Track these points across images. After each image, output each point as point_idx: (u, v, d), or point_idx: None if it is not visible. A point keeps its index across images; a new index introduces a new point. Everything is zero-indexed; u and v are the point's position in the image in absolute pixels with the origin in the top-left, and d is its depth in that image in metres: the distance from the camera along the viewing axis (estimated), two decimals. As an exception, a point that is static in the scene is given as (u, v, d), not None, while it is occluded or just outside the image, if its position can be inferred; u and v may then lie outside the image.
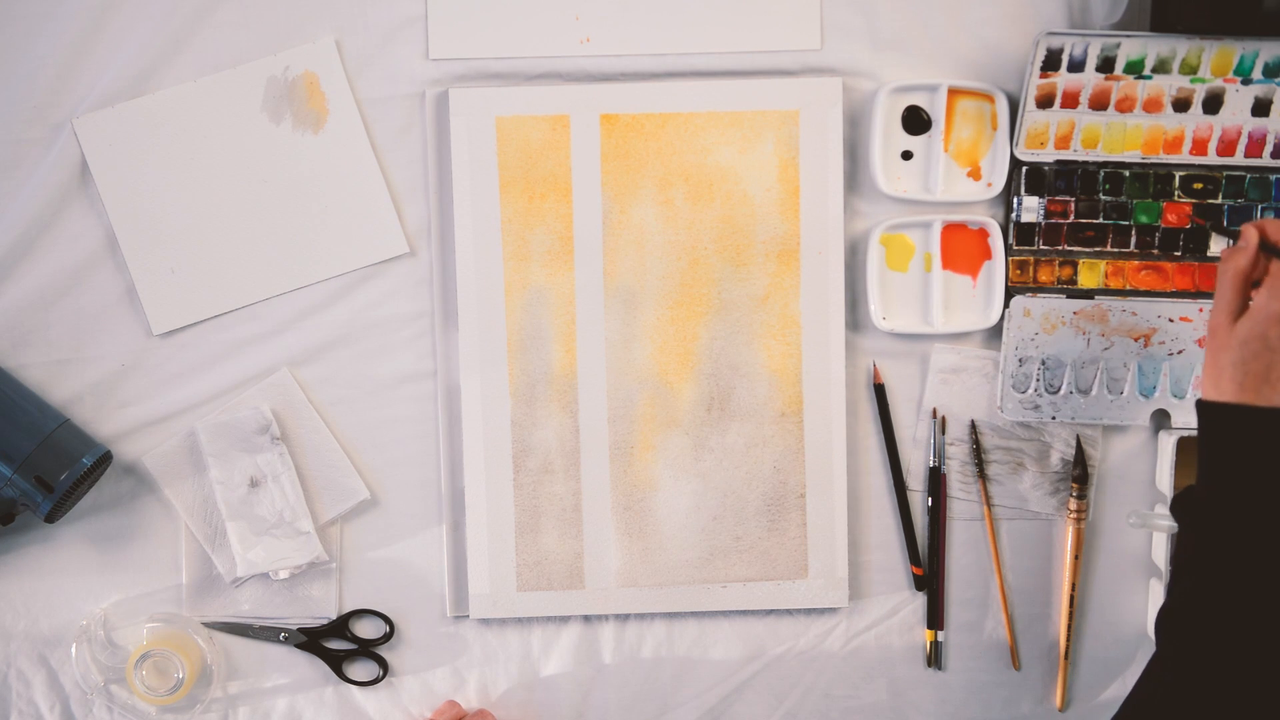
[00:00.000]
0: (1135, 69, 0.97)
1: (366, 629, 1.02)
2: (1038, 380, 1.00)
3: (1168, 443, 0.99)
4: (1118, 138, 0.99)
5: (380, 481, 1.02)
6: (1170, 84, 0.98)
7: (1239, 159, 0.99)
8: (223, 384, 1.01)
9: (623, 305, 1.00)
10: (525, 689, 1.03)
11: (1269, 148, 0.99)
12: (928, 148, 1.00)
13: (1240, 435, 0.81)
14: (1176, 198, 1.00)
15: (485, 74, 1.00)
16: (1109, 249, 1.00)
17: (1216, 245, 1.00)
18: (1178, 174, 0.99)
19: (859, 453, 1.02)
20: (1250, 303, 0.82)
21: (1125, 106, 0.98)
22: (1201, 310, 1.00)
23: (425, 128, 1.00)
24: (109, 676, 1.01)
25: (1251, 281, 0.83)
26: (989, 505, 1.02)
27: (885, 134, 1.00)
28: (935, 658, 1.03)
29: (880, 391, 1.02)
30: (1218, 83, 0.97)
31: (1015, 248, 1.00)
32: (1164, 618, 0.82)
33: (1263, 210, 0.99)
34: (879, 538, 1.03)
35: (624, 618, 1.03)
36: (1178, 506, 0.85)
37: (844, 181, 1.00)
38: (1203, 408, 0.83)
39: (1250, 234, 0.84)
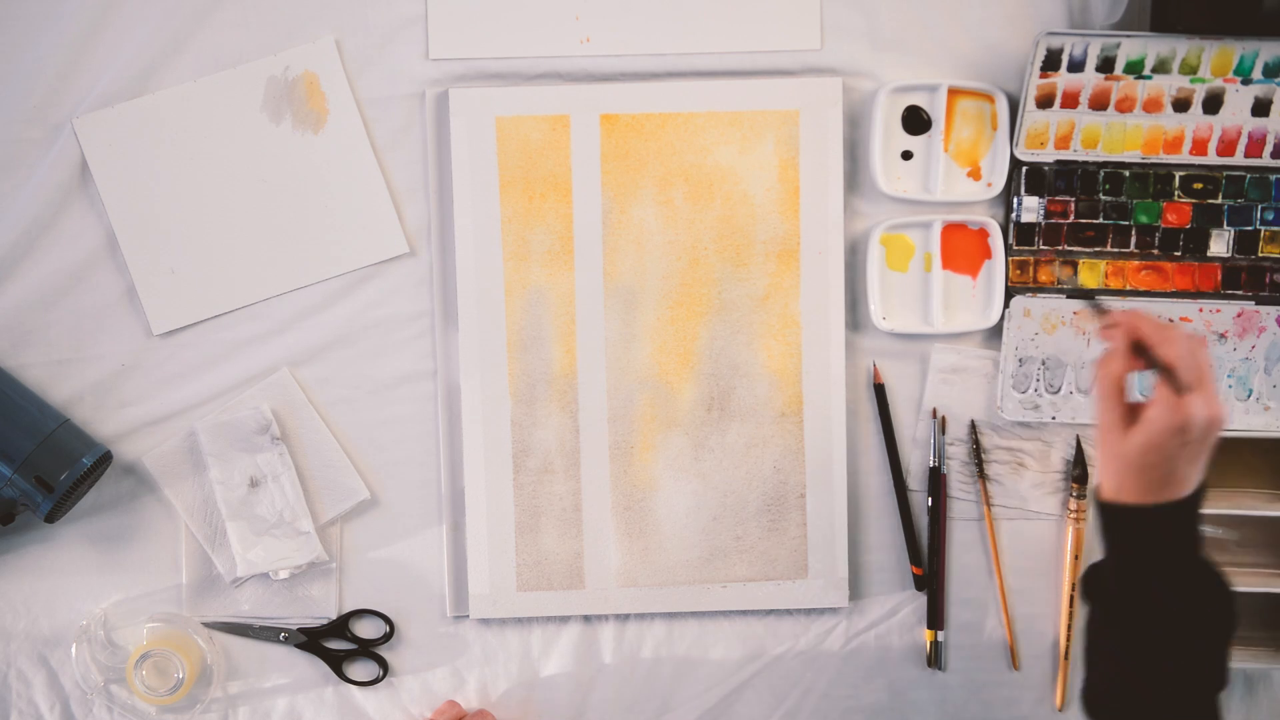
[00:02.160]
0: (1135, 69, 0.97)
1: (366, 629, 1.02)
2: (1038, 380, 1.00)
3: (1168, 443, 0.99)
4: (1118, 138, 0.99)
5: (380, 481, 1.02)
6: (1170, 84, 0.98)
7: (1239, 159, 0.99)
8: (223, 384, 1.01)
9: (623, 305, 1.00)
10: (525, 689, 1.03)
11: (1269, 148, 0.99)
12: (928, 148, 1.00)
13: (1150, 533, 0.82)
14: (1176, 198, 1.00)
15: (485, 74, 1.00)
16: (1109, 249, 1.00)
17: (1216, 245, 1.00)
18: (1178, 174, 0.99)
19: (859, 453, 1.02)
20: (1135, 405, 0.82)
21: (1125, 106, 0.98)
22: (1201, 310, 1.00)
23: (425, 128, 1.00)
24: (109, 676, 1.01)
25: (1125, 384, 0.83)
26: (989, 505, 1.02)
27: (885, 134, 1.00)
28: (935, 658, 1.03)
29: (880, 391, 1.02)
30: (1218, 83, 0.97)
31: (1015, 248, 1.00)
32: (1090, 700, 0.85)
33: (1262, 210, 0.99)
34: (879, 538, 1.03)
35: (624, 618, 1.03)
36: (1086, 587, 0.87)
37: (844, 181, 1.00)
38: (1106, 510, 0.84)
39: (1120, 336, 0.82)
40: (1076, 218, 1.00)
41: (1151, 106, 0.98)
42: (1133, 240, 1.00)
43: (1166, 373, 0.80)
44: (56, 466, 0.94)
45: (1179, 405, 0.79)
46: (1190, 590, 0.83)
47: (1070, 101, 0.98)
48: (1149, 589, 0.83)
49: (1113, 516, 0.84)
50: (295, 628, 1.01)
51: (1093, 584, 0.87)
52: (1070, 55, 0.97)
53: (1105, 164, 0.99)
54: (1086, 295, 1.00)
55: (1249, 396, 1.00)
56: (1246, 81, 0.97)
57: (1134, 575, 0.83)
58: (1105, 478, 0.84)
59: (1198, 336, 0.84)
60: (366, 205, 1.00)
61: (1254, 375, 1.00)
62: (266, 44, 0.99)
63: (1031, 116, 0.98)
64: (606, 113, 0.99)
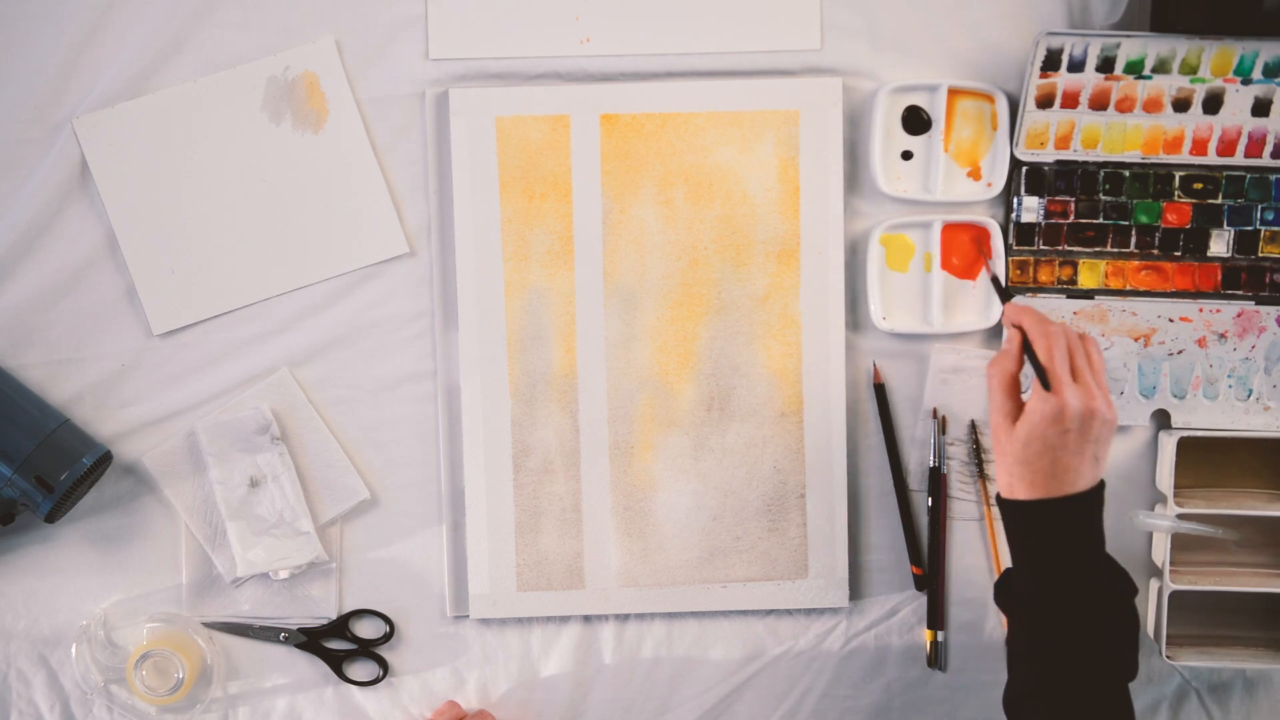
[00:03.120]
0: (1135, 69, 0.97)
1: (366, 629, 1.02)
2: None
3: (1168, 443, 0.99)
4: (1118, 138, 0.99)
5: (380, 481, 1.02)
6: (1170, 84, 0.98)
7: (1239, 159, 0.99)
8: (223, 384, 1.01)
9: (623, 305, 1.00)
10: (525, 689, 1.03)
11: (1269, 148, 0.99)
12: (928, 148, 1.00)
13: (1045, 528, 0.85)
14: (1176, 198, 1.00)
15: (485, 74, 1.00)
16: (1109, 249, 1.00)
17: (1216, 245, 1.00)
18: (1178, 174, 0.99)
19: (859, 453, 1.02)
20: (1025, 402, 0.86)
21: (1125, 106, 0.98)
22: (1201, 310, 1.00)
23: (425, 128, 1.00)
24: (109, 676, 1.01)
25: (1019, 382, 0.88)
26: (989, 505, 1.02)
27: (885, 134, 1.00)
28: (935, 658, 1.03)
29: (880, 391, 1.02)
30: (1218, 83, 0.97)
31: (1015, 248, 1.00)
32: (1009, 702, 0.87)
33: (1262, 210, 0.99)
34: (879, 538, 1.03)
35: (624, 618, 1.03)
36: (1000, 595, 0.89)
37: (844, 181, 1.00)
38: (1004, 507, 0.87)
39: (1014, 336, 0.87)
40: (1076, 218, 1.00)
41: (1151, 106, 0.98)
42: (1133, 240, 1.00)
43: (1040, 369, 0.84)
44: (56, 466, 0.94)
45: (1051, 395, 0.83)
46: (1094, 587, 0.85)
47: (1070, 101, 0.98)
48: (1054, 589, 0.85)
49: (1009, 513, 0.87)
50: (295, 628, 1.01)
51: (1003, 590, 0.89)
52: (1070, 55, 0.97)
53: (1105, 164, 0.99)
54: (1087, 295, 1.00)
55: (1249, 396, 1.00)
56: (1246, 81, 0.97)
57: (1041, 573, 0.85)
58: (999, 475, 0.87)
59: (1084, 334, 0.88)
60: (366, 205, 1.00)
61: (1254, 375, 1.00)
62: (266, 44, 0.99)
63: (1031, 116, 0.98)
64: (606, 113, 0.99)
